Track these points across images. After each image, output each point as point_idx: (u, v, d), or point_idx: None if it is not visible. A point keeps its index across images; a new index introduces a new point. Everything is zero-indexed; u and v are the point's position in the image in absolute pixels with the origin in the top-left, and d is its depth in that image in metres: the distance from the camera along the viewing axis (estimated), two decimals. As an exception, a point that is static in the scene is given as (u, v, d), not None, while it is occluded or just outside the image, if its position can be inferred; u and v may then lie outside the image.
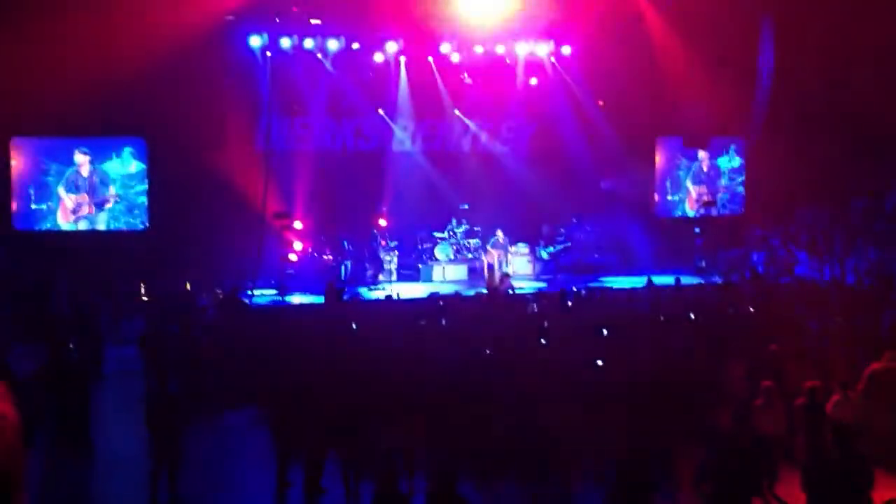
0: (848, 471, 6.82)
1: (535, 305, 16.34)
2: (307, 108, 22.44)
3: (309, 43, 21.83)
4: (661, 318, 14.36)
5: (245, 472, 10.55)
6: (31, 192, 20.31)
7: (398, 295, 18.76)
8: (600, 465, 9.00)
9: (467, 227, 22.66)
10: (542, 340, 12.50)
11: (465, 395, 9.47)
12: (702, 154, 25.01)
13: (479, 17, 21.64)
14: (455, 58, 22.83)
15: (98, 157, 20.63)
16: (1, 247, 19.22)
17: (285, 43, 21.61)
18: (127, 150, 20.76)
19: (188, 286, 18.74)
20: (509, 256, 22.05)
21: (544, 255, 22.77)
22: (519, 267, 22.26)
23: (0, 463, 1.99)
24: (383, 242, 21.57)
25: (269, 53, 21.62)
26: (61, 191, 20.42)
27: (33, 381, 9.99)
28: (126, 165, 20.78)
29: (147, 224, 20.78)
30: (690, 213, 24.80)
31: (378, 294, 19.48)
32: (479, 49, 22.79)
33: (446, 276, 21.95)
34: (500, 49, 23.08)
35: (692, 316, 14.60)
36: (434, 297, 17.07)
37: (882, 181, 21.95)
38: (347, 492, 9.33)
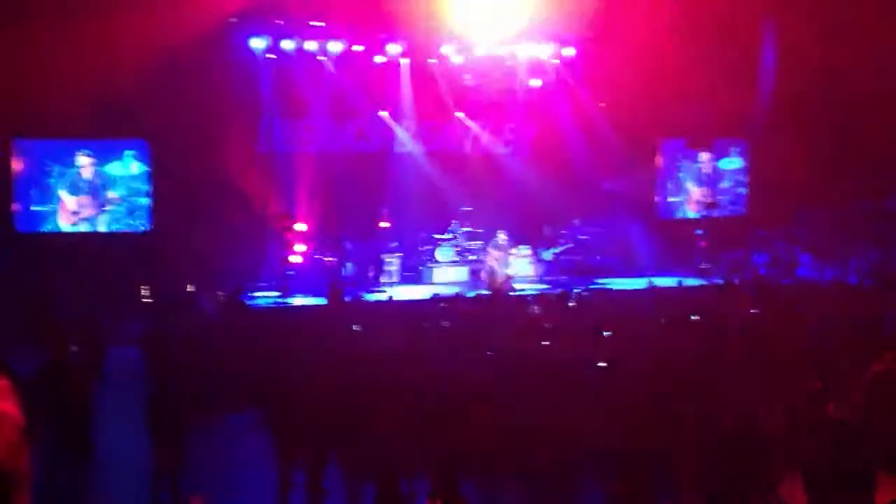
0: (849, 472, 6.82)
1: (536, 307, 16.33)
2: (309, 110, 22.43)
3: (311, 45, 21.83)
4: (662, 320, 14.35)
5: (247, 474, 10.56)
6: (33, 193, 20.32)
7: (401, 297, 18.77)
8: (602, 466, 9.00)
9: (469, 228, 22.67)
10: (544, 342, 12.50)
11: (466, 395, 9.48)
12: (703, 156, 25.01)
13: (481, 19, 21.67)
14: (457, 59, 22.84)
15: (100, 158, 20.64)
16: (2, 248, 19.23)
17: (287, 45, 21.62)
18: (129, 153, 20.76)
19: (190, 288, 18.76)
20: (511, 258, 22.04)
21: (547, 257, 22.76)
22: (520, 269, 22.25)
23: (4, 461, 2.00)
24: (388, 244, 21.59)
25: (271, 56, 21.64)
26: (62, 193, 20.43)
27: (34, 382, 9.98)
28: (128, 167, 20.79)
29: (149, 226, 20.80)
30: (692, 214, 24.80)
31: (380, 296, 19.50)
32: (480, 51, 22.81)
33: (448, 277, 21.96)
34: (501, 51, 23.09)
35: (694, 318, 14.59)
36: (435, 298, 17.08)
37: (884, 182, 21.96)
38: (349, 493, 9.34)
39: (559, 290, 18.31)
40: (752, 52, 23.89)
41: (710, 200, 24.33)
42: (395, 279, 21.52)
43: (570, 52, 23.56)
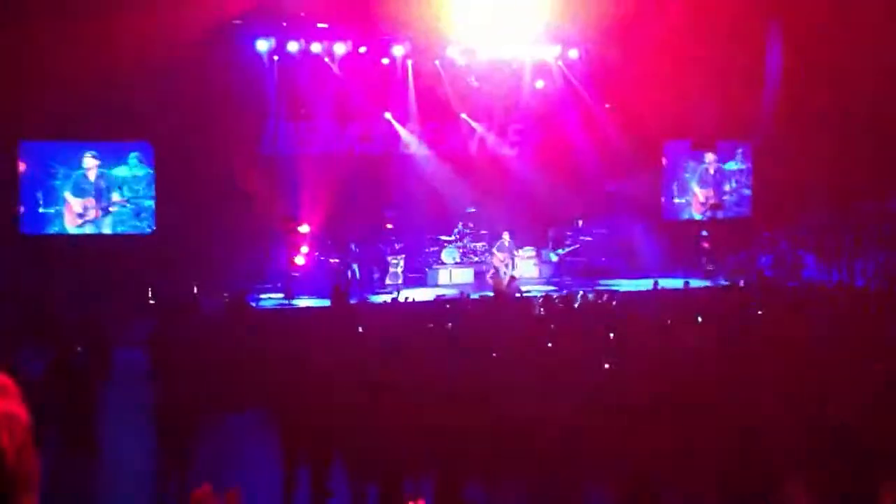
0: (853, 473, 6.82)
1: (541, 308, 16.33)
2: (314, 111, 22.46)
3: (316, 47, 21.88)
4: (669, 322, 14.33)
5: (251, 475, 10.57)
6: (39, 196, 20.36)
7: (406, 298, 18.78)
8: (608, 468, 9.00)
9: (474, 230, 22.68)
10: (549, 343, 12.50)
11: (470, 396, 9.48)
12: (709, 157, 25.01)
13: (486, 21, 21.68)
14: (462, 61, 22.86)
15: (105, 160, 20.69)
16: (9, 250, 19.27)
17: (292, 47, 21.67)
18: (134, 154, 20.81)
19: (195, 289, 18.79)
20: (516, 259, 22.06)
21: (553, 258, 22.78)
22: (525, 270, 22.26)
23: (13, 462, 2.01)
24: (393, 246, 21.61)
25: (276, 57, 21.68)
26: (68, 195, 20.47)
27: (40, 383, 10.01)
28: (133, 169, 20.83)
29: (154, 228, 20.84)
30: (697, 216, 24.79)
31: (385, 297, 19.51)
32: (485, 53, 22.82)
33: (453, 279, 21.97)
34: (506, 53, 23.11)
35: (699, 319, 14.58)
36: (440, 300, 17.09)
37: (889, 183, 21.93)
38: (353, 493, 9.35)
39: (564, 292, 18.31)
40: (757, 54, 23.89)
41: (714, 202, 24.32)
42: (399, 281, 21.53)
43: (575, 54, 23.59)
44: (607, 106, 24.00)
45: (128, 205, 20.73)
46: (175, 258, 19.51)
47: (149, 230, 20.84)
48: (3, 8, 18.22)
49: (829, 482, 7.27)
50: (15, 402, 2.10)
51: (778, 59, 23.84)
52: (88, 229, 20.61)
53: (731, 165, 25.18)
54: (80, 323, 14.81)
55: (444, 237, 22.55)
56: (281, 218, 20.61)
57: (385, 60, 22.58)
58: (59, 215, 20.44)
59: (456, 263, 22.35)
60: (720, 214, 24.22)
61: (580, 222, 23.14)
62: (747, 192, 25.15)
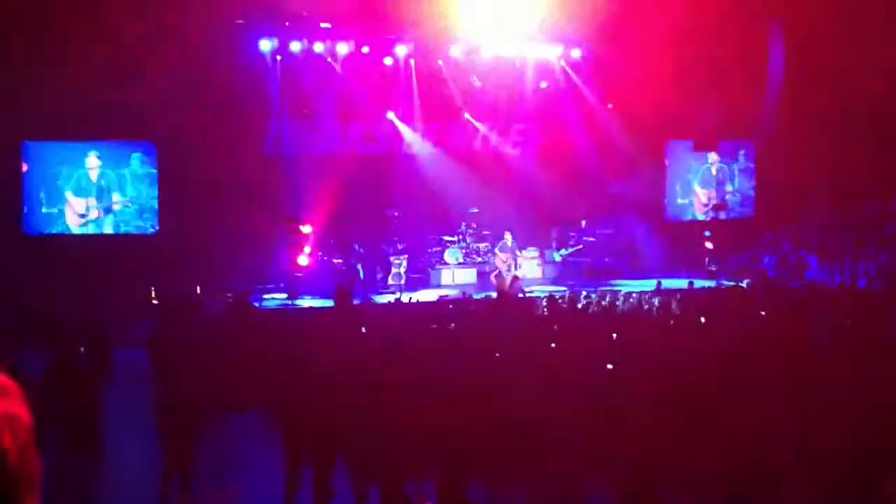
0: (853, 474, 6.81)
1: (545, 308, 16.31)
2: (316, 111, 22.48)
3: (319, 47, 21.89)
4: (671, 322, 14.32)
5: (253, 475, 10.57)
6: (42, 195, 20.37)
7: (410, 298, 18.78)
8: (611, 468, 8.99)
9: (476, 230, 22.66)
10: (552, 343, 12.48)
11: (473, 397, 9.47)
12: (711, 157, 24.99)
13: (489, 21, 21.68)
14: (464, 61, 22.86)
15: (108, 160, 20.70)
16: (10, 250, 19.28)
17: (295, 47, 21.68)
18: (137, 154, 20.83)
19: (198, 289, 18.78)
20: (519, 260, 22.04)
21: (556, 258, 22.76)
22: (529, 271, 22.24)
23: (16, 463, 2.01)
24: (396, 246, 21.61)
25: (278, 57, 21.69)
26: (69, 194, 20.49)
27: (41, 383, 10.01)
28: (136, 169, 20.84)
29: (157, 228, 20.84)
30: (699, 216, 24.77)
31: (388, 298, 19.50)
32: (488, 52, 22.82)
33: (455, 279, 21.95)
34: (509, 52, 23.11)
35: (702, 319, 14.56)
36: (443, 300, 17.07)
37: (892, 183, 21.89)
38: (355, 494, 9.34)
39: (568, 292, 18.29)
40: (759, 54, 23.87)
41: (717, 202, 24.29)
42: (402, 281, 21.53)
43: (577, 53, 23.59)
44: (610, 106, 23.98)
45: (130, 205, 20.74)
46: (178, 258, 19.51)
47: (152, 230, 20.85)
48: (5, 8, 18.23)
49: (830, 482, 7.26)
50: (16, 403, 2.09)
51: (780, 59, 23.81)
52: (90, 229, 20.62)
53: (734, 165, 25.14)
54: (82, 323, 14.80)
55: (446, 237, 22.54)
56: (284, 218, 20.61)
57: (388, 60, 22.59)
58: (62, 215, 20.46)
59: (459, 264, 22.34)
60: (723, 215, 24.20)
61: (584, 222, 23.12)
62: (750, 192, 25.12)
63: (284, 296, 19.97)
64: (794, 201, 22.73)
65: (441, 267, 22.21)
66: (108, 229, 20.72)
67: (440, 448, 9.26)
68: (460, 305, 16.39)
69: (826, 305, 15.52)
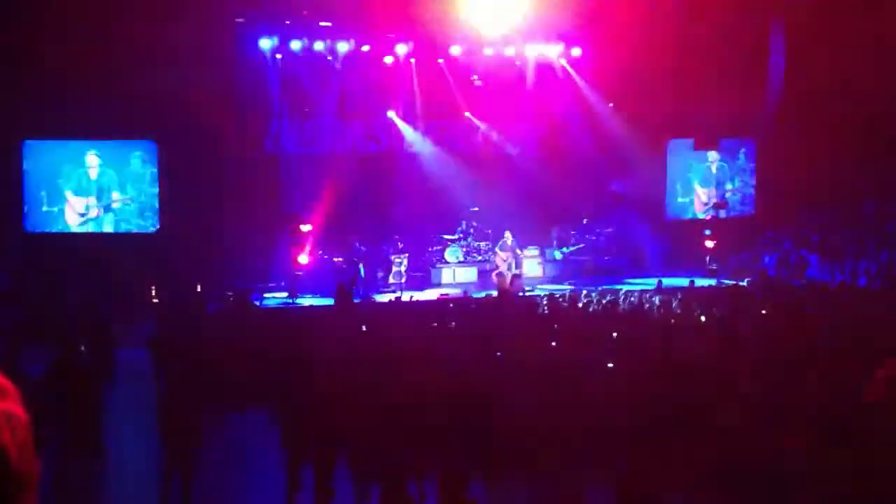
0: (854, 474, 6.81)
1: (545, 307, 16.33)
2: (317, 110, 22.48)
3: (319, 45, 21.88)
4: (672, 321, 14.32)
5: (255, 475, 10.58)
6: (43, 194, 20.38)
7: (411, 297, 18.78)
8: (611, 468, 8.99)
9: (477, 228, 22.66)
10: (553, 342, 12.49)
11: (474, 396, 9.47)
12: (712, 156, 24.97)
13: (489, 19, 21.67)
14: (465, 60, 22.85)
15: (109, 159, 20.70)
16: (12, 249, 19.29)
17: (295, 45, 21.68)
18: (138, 153, 20.83)
19: (199, 288, 18.80)
20: (519, 258, 22.03)
21: (557, 256, 22.76)
22: (530, 269, 22.23)
23: (17, 462, 2.01)
24: (396, 245, 21.61)
25: (279, 56, 21.69)
26: (69, 193, 20.49)
27: (43, 382, 10.01)
28: (137, 168, 20.85)
29: (158, 226, 20.85)
30: (700, 214, 24.75)
31: (389, 296, 19.51)
32: (488, 51, 22.82)
33: (456, 278, 21.95)
34: (509, 51, 23.11)
35: (703, 318, 14.57)
36: (444, 299, 17.08)
37: (893, 182, 21.88)
38: (356, 494, 9.34)
39: (569, 291, 18.30)
40: (760, 53, 23.86)
41: (718, 200, 24.28)
42: (403, 280, 21.52)
43: (578, 52, 23.58)
44: (610, 104, 23.97)
45: (130, 202, 20.74)
46: (179, 257, 19.52)
47: (153, 229, 20.85)
48: (6, 7, 18.24)
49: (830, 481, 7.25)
50: (14, 402, 2.10)
51: (781, 58, 23.79)
52: (90, 227, 20.62)
53: (735, 164, 25.12)
54: (84, 322, 14.82)
55: (447, 236, 22.53)
56: (285, 217, 20.61)
57: (388, 59, 22.58)
58: (62, 214, 20.46)
59: (459, 262, 22.33)
60: (723, 213, 24.18)
61: (584, 221, 23.11)
62: (751, 190, 25.10)
63: (285, 294, 19.97)
64: (794, 200, 22.71)
65: (442, 265, 22.21)
66: (108, 228, 20.72)
67: (441, 447, 9.26)
68: (461, 304, 16.40)
69: (826, 304, 15.52)
